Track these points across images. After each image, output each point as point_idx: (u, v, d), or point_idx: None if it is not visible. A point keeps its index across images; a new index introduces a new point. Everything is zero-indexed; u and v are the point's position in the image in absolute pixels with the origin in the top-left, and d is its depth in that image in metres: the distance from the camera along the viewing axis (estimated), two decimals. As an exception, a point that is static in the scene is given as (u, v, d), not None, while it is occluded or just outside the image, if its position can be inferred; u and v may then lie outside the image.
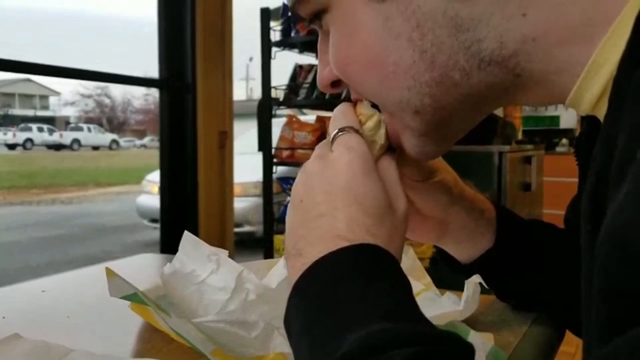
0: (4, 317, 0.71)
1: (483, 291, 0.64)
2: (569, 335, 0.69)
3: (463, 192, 0.61)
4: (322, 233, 0.43)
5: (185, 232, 0.59)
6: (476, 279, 0.60)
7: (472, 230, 0.62)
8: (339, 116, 0.50)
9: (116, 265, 1.05)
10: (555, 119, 5.44)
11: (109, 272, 0.55)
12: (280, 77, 2.55)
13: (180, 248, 0.59)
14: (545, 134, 5.18)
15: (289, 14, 2.37)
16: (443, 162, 0.61)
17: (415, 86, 0.42)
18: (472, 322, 0.64)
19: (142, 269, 1.03)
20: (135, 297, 0.56)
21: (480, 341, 0.52)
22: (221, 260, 0.57)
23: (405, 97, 0.43)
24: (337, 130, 0.48)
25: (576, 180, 0.51)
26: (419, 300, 0.68)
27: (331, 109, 2.46)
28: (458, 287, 0.65)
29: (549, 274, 0.65)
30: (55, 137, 24.08)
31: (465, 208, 0.61)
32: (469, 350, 0.34)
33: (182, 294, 0.58)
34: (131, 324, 0.66)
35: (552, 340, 0.64)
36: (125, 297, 0.57)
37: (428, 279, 0.72)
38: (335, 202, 0.44)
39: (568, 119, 5.41)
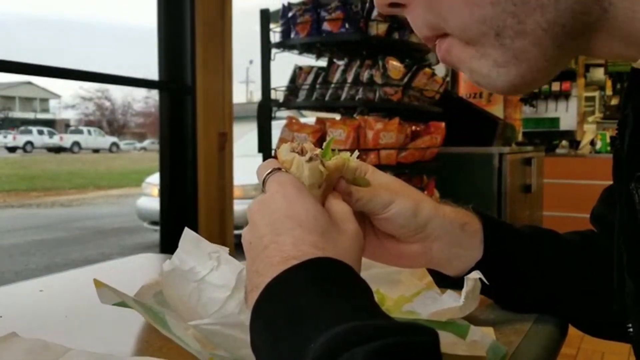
0: (1, 317, 0.70)
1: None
2: (570, 337, 0.68)
3: (435, 212, 0.61)
4: (270, 261, 0.45)
5: (186, 228, 0.58)
6: (476, 274, 0.60)
7: (457, 245, 0.62)
8: (263, 165, 0.53)
9: (116, 264, 1.05)
10: (555, 121, 5.45)
11: (97, 283, 0.55)
12: (280, 78, 2.55)
13: (180, 245, 0.58)
14: (545, 136, 5.18)
15: (289, 15, 2.37)
16: (403, 189, 0.61)
17: (500, 2, 0.41)
18: (473, 320, 0.63)
19: (141, 268, 1.02)
20: (125, 305, 0.56)
21: (480, 335, 0.51)
22: (222, 257, 0.57)
23: (488, 14, 0.41)
24: (265, 174, 0.52)
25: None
26: (419, 299, 0.69)
27: (331, 111, 2.44)
28: (459, 287, 0.65)
29: (545, 277, 0.65)
30: (56, 140, 24.08)
31: (442, 226, 0.61)
32: (432, 337, 0.35)
33: (181, 292, 0.57)
34: (130, 323, 0.66)
35: (555, 338, 0.64)
36: (116, 305, 0.57)
37: (429, 278, 0.71)
38: (278, 230, 0.46)
39: (568, 120, 5.41)
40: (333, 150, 0.56)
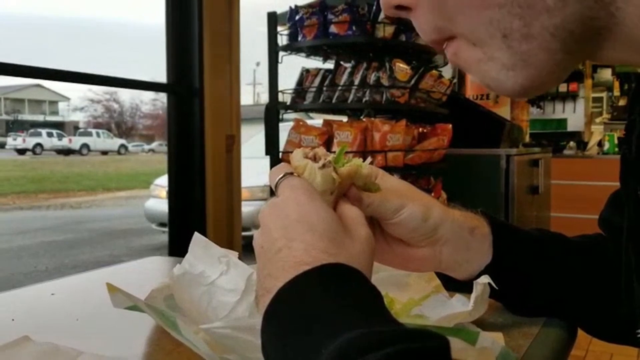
0: (13, 320, 0.71)
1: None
2: (578, 339, 0.68)
3: (445, 216, 0.61)
4: (283, 265, 0.45)
5: (196, 233, 0.59)
6: (485, 279, 0.60)
7: (466, 249, 0.62)
8: (275, 169, 0.53)
9: (125, 268, 1.06)
10: (563, 122, 5.42)
11: (110, 287, 0.56)
12: (288, 81, 2.55)
13: (190, 249, 0.59)
14: (553, 137, 5.15)
15: (297, 17, 2.38)
16: (413, 193, 0.61)
17: (506, 4, 0.40)
18: (482, 324, 0.63)
19: (151, 271, 1.03)
20: (137, 309, 0.57)
21: (491, 341, 0.51)
22: (231, 262, 0.57)
23: (495, 16, 0.41)
24: (277, 179, 0.52)
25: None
26: (428, 302, 0.69)
27: (338, 113, 2.44)
28: (467, 291, 0.65)
29: (553, 281, 0.64)
30: (65, 142, 24.23)
31: (452, 230, 0.61)
32: (443, 343, 0.35)
33: (191, 296, 0.58)
34: (141, 326, 0.66)
35: (563, 342, 0.64)
36: (129, 308, 0.57)
37: (437, 281, 0.71)
38: (290, 235, 0.46)
39: (575, 122, 5.38)
40: (346, 153, 0.56)
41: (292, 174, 0.53)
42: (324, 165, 0.52)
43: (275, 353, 0.41)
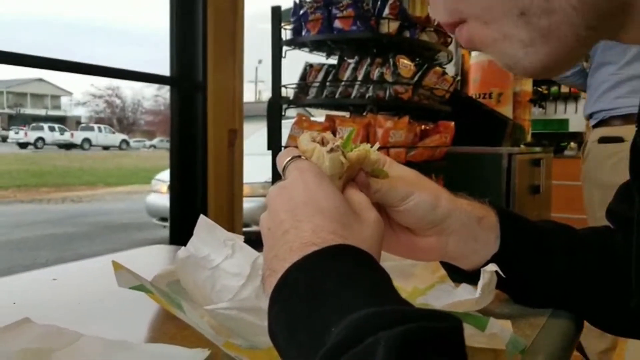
0: (14, 303, 0.70)
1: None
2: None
3: (453, 205, 0.61)
4: (290, 246, 0.44)
5: (201, 216, 0.58)
6: (492, 267, 0.59)
7: (473, 239, 0.62)
8: (283, 153, 0.53)
9: (127, 255, 1.05)
10: (564, 123, 5.41)
11: (116, 265, 0.55)
12: (290, 76, 2.54)
13: (195, 232, 0.58)
14: (554, 138, 5.14)
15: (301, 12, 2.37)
16: (421, 181, 0.61)
17: None
18: (488, 314, 0.62)
19: (153, 259, 1.03)
20: (143, 288, 0.56)
21: (500, 327, 0.51)
22: (237, 245, 0.56)
23: None
24: (285, 161, 0.52)
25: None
26: (433, 292, 0.68)
27: (340, 109, 2.42)
28: (473, 282, 0.64)
29: (561, 272, 0.64)
30: (66, 137, 24.25)
31: (460, 219, 0.61)
32: (456, 323, 0.34)
33: (195, 279, 0.57)
34: (144, 311, 0.66)
35: (570, 333, 0.63)
36: (134, 288, 0.57)
37: (443, 271, 0.71)
38: (298, 216, 0.46)
39: (577, 122, 5.37)
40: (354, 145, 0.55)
41: (300, 157, 0.52)
42: (332, 149, 0.51)
43: (282, 334, 0.40)
